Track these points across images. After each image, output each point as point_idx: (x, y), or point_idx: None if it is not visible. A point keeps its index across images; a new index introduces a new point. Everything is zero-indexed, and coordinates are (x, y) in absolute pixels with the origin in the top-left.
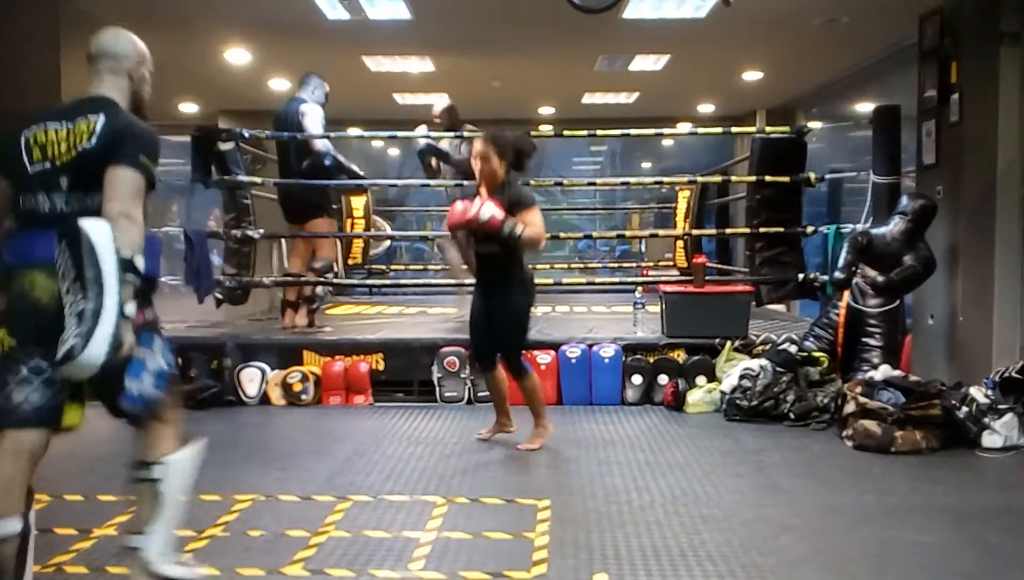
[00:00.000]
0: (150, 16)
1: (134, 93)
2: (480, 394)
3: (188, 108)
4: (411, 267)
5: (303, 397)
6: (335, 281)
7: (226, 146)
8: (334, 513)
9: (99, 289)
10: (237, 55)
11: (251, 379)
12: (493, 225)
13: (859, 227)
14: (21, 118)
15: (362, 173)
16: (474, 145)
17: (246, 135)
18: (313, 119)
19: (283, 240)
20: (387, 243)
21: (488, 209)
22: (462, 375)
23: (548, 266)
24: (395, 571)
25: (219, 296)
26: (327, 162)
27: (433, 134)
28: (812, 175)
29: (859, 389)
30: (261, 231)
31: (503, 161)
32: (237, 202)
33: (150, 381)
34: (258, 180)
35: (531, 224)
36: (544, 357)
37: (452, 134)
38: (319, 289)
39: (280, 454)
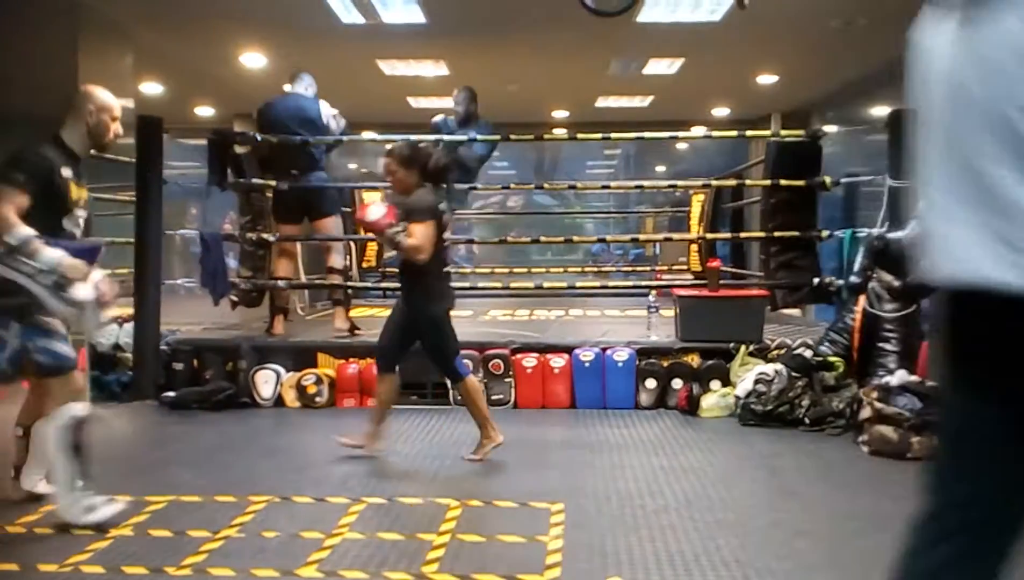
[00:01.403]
0: (167, 20)
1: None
2: (493, 397)
3: (204, 112)
4: None
5: (317, 399)
6: (349, 284)
7: (241, 149)
8: (348, 515)
9: None
10: (252, 59)
11: (266, 381)
12: (375, 227)
13: (875, 231)
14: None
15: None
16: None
17: (260, 138)
18: (331, 111)
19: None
20: None
21: (374, 211)
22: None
23: (562, 270)
24: (409, 573)
25: (234, 298)
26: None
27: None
28: (828, 179)
29: (875, 394)
30: (277, 234)
31: (410, 172)
32: (252, 205)
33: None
34: (272, 183)
35: (412, 234)
36: (558, 360)
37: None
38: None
39: (294, 456)
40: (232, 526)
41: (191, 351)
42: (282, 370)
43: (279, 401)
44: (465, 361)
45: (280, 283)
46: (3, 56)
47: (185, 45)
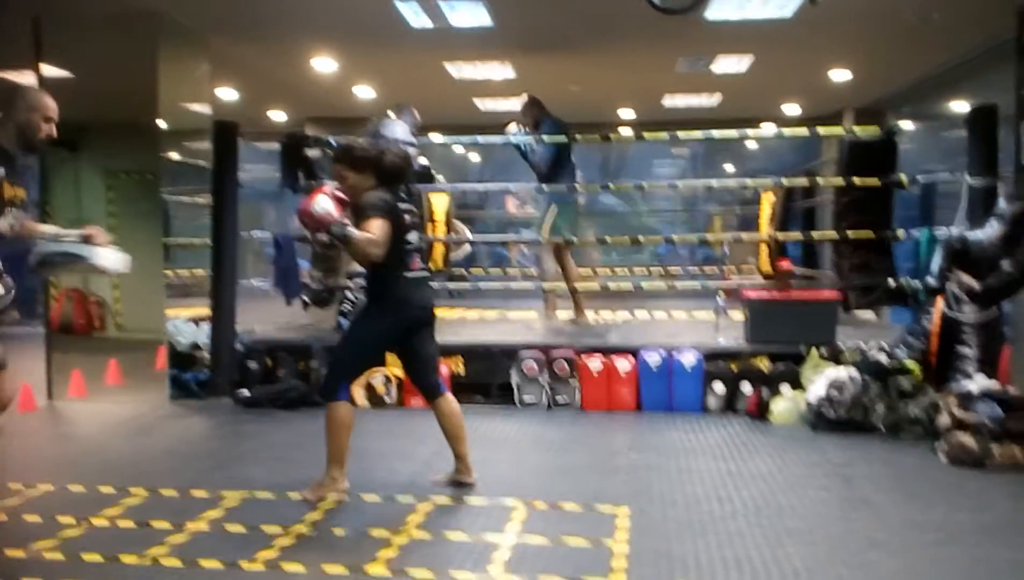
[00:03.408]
0: (244, 28)
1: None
2: (558, 399)
3: (277, 116)
4: (491, 271)
5: (386, 399)
6: None
7: (313, 152)
8: (415, 513)
9: None
10: (324, 64)
11: None
12: (323, 221)
13: (954, 231)
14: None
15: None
16: None
17: (333, 142)
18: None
19: None
20: (467, 247)
21: (322, 203)
22: (541, 380)
23: (627, 270)
24: (474, 574)
25: (306, 299)
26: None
27: (515, 138)
28: (903, 177)
29: (954, 401)
30: None
31: (361, 175)
32: None
33: None
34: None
35: (364, 230)
36: (623, 363)
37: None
38: (347, 294)
39: (364, 455)
40: (303, 522)
41: (265, 351)
42: None
43: (349, 400)
44: (529, 364)
45: (349, 283)
46: (87, 66)
47: (259, 52)
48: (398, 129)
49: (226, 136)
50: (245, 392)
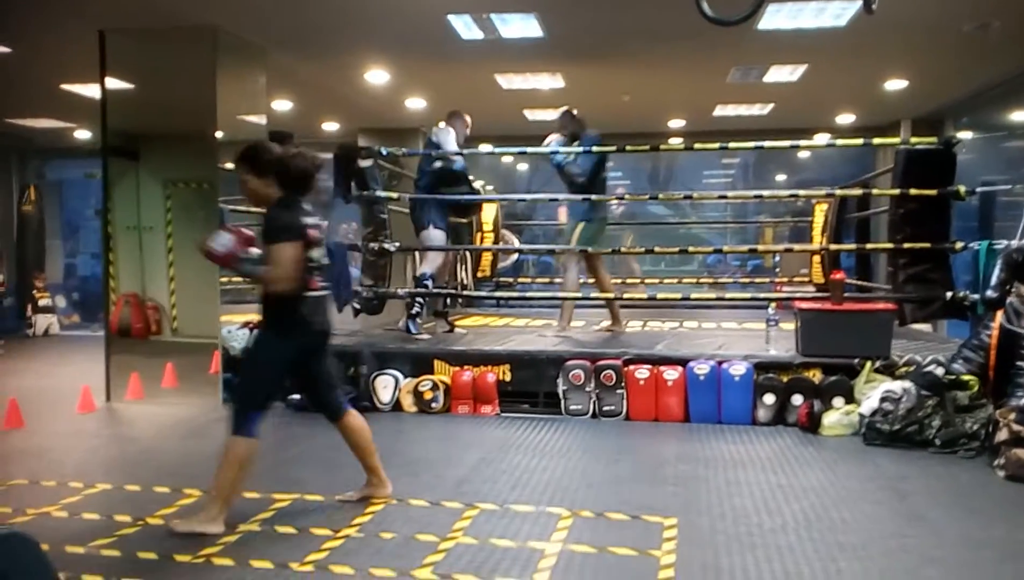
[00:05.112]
0: (299, 42)
1: None
2: (605, 408)
3: (330, 126)
4: (538, 280)
5: (433, 405)
6: (464, 293)
7: (365, 163)
8: (462, 519)
9: None
10: (376, 76)
11: (385, 386)
12: (220, 261)
13: (1014, 243)
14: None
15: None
16: None
17: (384, 152)
18: (449, 134)
19: (416, 253)
20: (515, 256)
21: (219, 241)
22: (587, 389)
23: (676, 281)
24: None
25: (356, 306)
26: (456, 168)
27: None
28: (962, 188)
29: (1013, 415)
30: (397, 244)
31: (263, 180)
32: (375, 216)
33: None
34: (394, 195)
35: (271, 262)
36: (671, 373)
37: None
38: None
39: (411, 460)
40: (352, 526)
41: None
42: (400, 376)
43: (397, 405)
44: (575, 372)
45: (400, 292)
46: (149, 78)
47: (314, 65)
48: (446, 137)
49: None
50: (296, 397)
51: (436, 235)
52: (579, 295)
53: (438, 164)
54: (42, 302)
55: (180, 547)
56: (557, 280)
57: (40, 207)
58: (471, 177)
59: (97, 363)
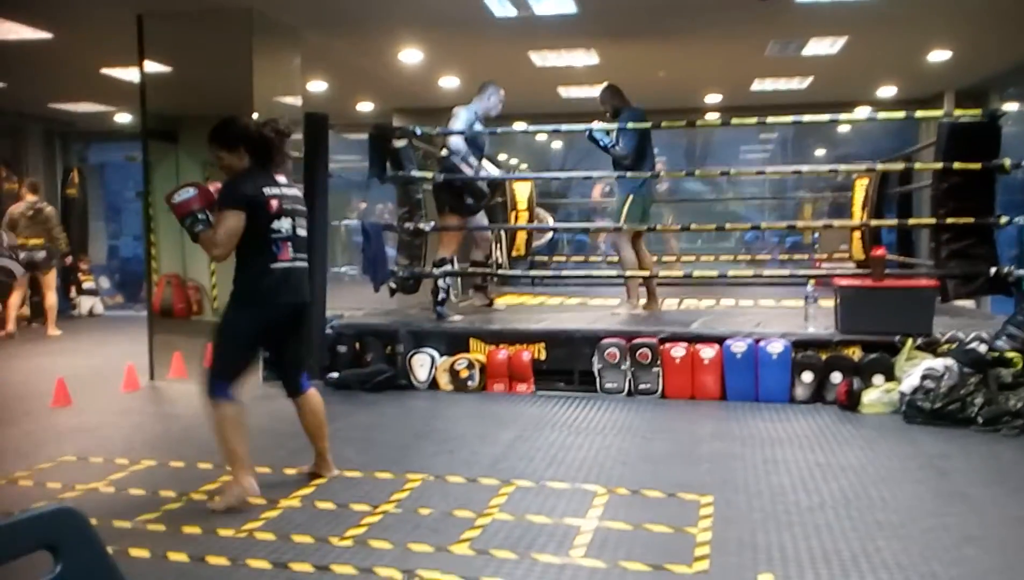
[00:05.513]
0: (333, 22)
1: None
2: (640, 386)
3: (365, 107)
4: (572, 258)
5: (469, 383)
6: (499, 272)
7: (400, 143)
8: (498, 496)
9: None
10: (410, 55)
11: (421, 365)
12: (175, 210)
13: None
14: None
15: (479, 173)
16: None
17: (418, 132)
18: (456, 120)
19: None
20: (550, 235)
21: (182, 193)
22: (623, 367)
23: (713, 258)
24: (556, 557)
25: (392, 285)
26: (453, 160)
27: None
28: (1007, 161)
29: None
30: (432, 224)
31: (236, 154)
32: (410, 196)
33: None
34: (429, 175)
35: (216, 224)
36: (708, 351)
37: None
38: (440, 282)
39: (448, 437)
40: (390, 502)
41: (353, 335)
42: (436, 354)
43: (433, 384)
44: (610, 350)
45: (435, 270)
46: (186, 61)
47: (348, 45)
48: (452, 124)
49: (316, 127)
50: (334, 375)
51: (451, 220)
52: (644, 272)
53: (443, 153)
54: (86, 285)
55: (223, 522)
56: (592, 258)
57: (84, 190)
58: (484, 157)
59: (140, 343)
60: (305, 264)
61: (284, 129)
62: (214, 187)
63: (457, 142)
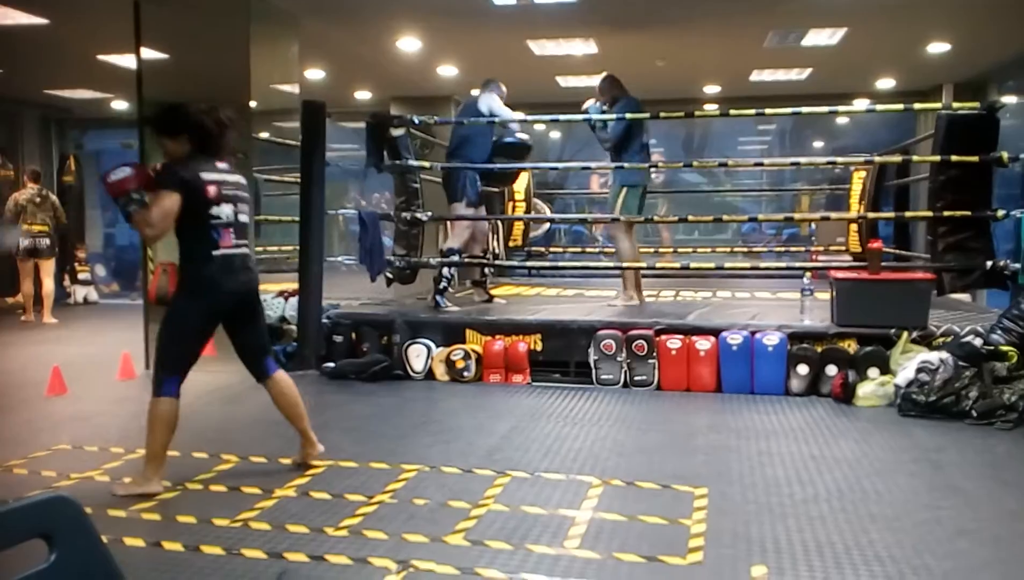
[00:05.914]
0: (332, 9)
1: None
2: (636, 378)
3: (362, 95)
4: (569, 249)
5: (465, 374)
6: (496, 262)
7: (397, 132)
8: (493, 487)
9: None
10: (408, 43)
11: (418, 355)
12: (110, 189)
13: None
14: None
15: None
16: None
17: (416, 121)
18: (493, 101)
19: (448, 224)
20: (547, 225)
21: (118, 173)
22: (618, 358)
23: (710, 250)
24: (551, 547)
25: (389, 275)
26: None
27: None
28: (1005, 154)
29: None
30: (429, 214)
31: (179, 141)
32: (407, 186)
33: None
34: (427, 164)
35: (151, 205)
36: (703, 343)
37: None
38: (444, 272)
39: (443, 428)
40: (385, 492)
41: (350, 325)
42: (432, 345)
43: (429, 374)
44: (607, 342)
45: (431, 261)
46: (183, 48)
47: (346, 33)
48: (499, 105)
49: (314, 116)
50: (330, 364)
51: (465, 211)
52: (641, 264)
53: (508, 139)
54: (81, 276)
55: (218, 511)
56: (589, 250)
57: (80, 177)
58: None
59: (136, 331)
60: (247, 250)
61: (226, 119)
62: (143, 168)
63: (499, 108)
